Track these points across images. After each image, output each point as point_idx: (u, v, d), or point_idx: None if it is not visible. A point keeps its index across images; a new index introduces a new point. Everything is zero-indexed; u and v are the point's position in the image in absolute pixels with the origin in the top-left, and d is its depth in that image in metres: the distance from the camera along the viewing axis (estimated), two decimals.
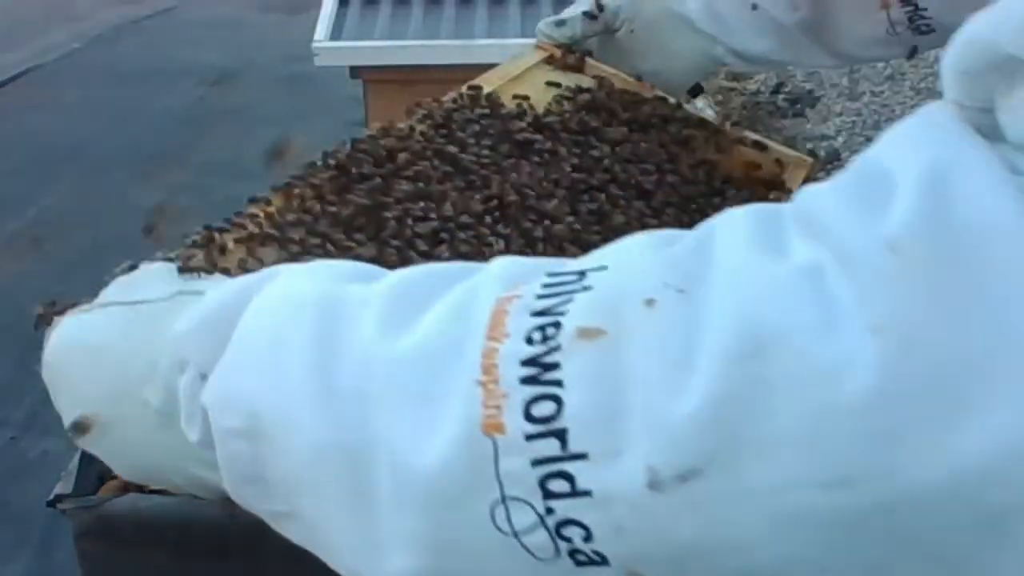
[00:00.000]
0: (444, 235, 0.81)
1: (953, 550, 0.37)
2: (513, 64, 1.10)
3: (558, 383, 0.41)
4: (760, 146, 1.08)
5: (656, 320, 0.40)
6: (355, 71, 2.28)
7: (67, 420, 0.59)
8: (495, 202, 0.86)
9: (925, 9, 0.98)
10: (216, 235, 0.75)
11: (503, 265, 0.49)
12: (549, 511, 0.41)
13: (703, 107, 3.31)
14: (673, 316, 0.40)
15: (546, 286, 0.44)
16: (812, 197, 0.43)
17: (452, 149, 0.90)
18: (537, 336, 0.42)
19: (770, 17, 1.06)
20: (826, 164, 3.14)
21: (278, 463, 0.49)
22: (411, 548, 0.44)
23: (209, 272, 0.64)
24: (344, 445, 0.46)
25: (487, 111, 0.98)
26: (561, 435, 0.40)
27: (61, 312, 0.61)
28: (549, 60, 1.12)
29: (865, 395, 0.36)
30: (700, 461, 0.38)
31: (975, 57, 0.42)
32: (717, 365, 0.38)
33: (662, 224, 0.89)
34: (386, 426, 0.45)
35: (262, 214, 0.79)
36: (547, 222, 0.86)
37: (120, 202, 3.26)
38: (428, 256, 0.79)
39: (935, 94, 0.44)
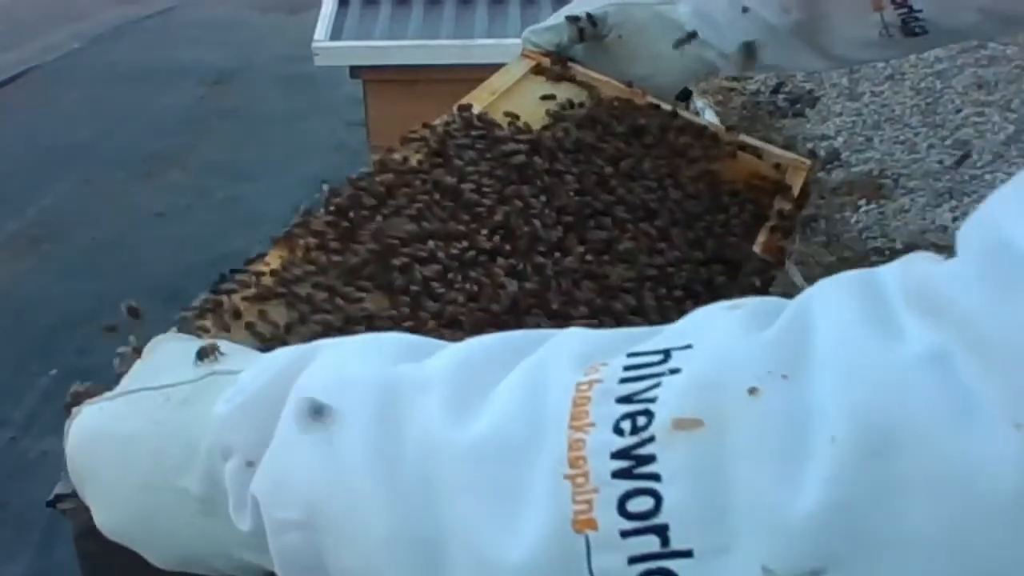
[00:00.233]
0: (453, 275, 0.79)
1: None
2: (502, 77, 1.08)
3: (655, 477, 0.39)
4: (757, 152, 1.07)
5: (761, 410, 0.38)
6: (355, 71, 2.28)
7: (99, 517, 0.56)
8: (501, 232, 0.84)
9: (920, 11, 0.97)
10: (224, 299, 0.72)
11: (571, 340, 0.46)
12: None
13: (703, 107, 3.31)
14: (779, 406, 0.38)
15: (628, 368, 0.42)
16: (927, 273, 0.40)
17: (451, 180, 0.88)
18: (626, 425, 0.40)
19: (762, 20, 1.05)
20: (826, 164, 3.15)
21: (341, 555, 0.46)
22: None
23: (220, 352, 0.59)
24: (415, 536, 0.44)
25: (482, 133, 0.96)
26: (661, 531, 0.38)
27: (81, 402, 0.58)
28: (538, 69, 1.10)
29: (1013, 497, 0.34)
30: (822, 563, 0.36)
31: None
32: (837, 460, 0.36)
33: (671, 247, 0.88)
34: (461, 518, 0.43)
35: (267, 270, 0.76)
36: (557, 254, 0.83)
37: (120, 202, 3.26)
38: (438, 299, 0.76)
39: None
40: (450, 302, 0.76)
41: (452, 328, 0.74)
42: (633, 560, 0.39)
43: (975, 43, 3.58)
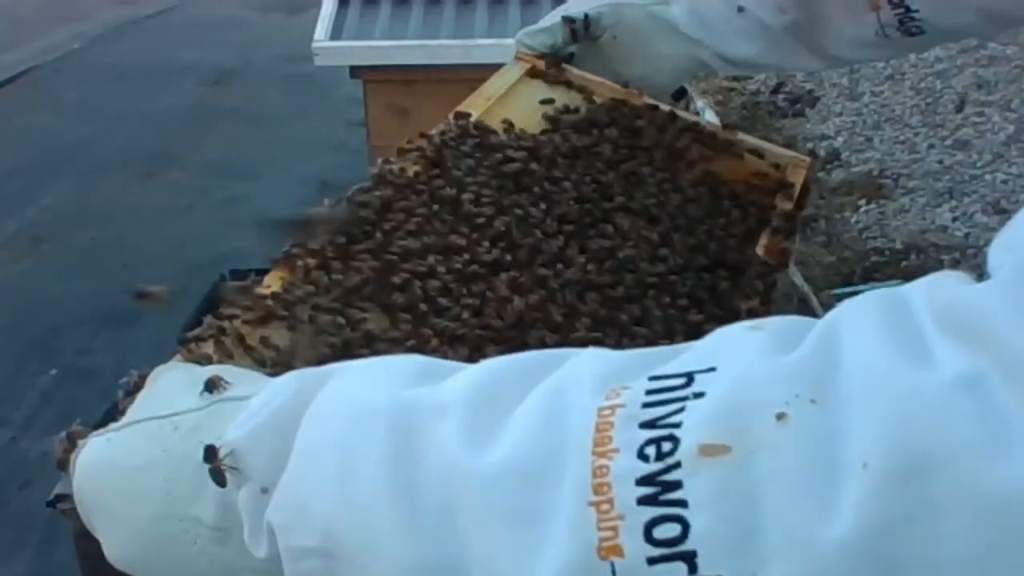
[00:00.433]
0: (455, 291, 0.78)
1: None
2: (497, 82, 1.07)
3: (681, 503, 0.38)
4: (757, 152, 1.07)
5: (789, 436, 0.38)
6: (355, 71, 2.28)
7: (109, 549, 0.56)
8: (502, 244, 0.84)
9: (916, 11, 0.97)
10: (226, 324, 0.71)
11: (590, 363, 0.46)
12: None
13: (703, 107, 3.31)
14: (808, 431, 0.38)
15: (651, 392, 0.42)
16: (957, 295, 0.40)
17: (450, 192, 0.88)
18: (651, 451, 0.40)
19: (757, 20, 1.05)
20: (826, 164, 3.15)
21: None
22: None
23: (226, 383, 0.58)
24: (436, 563, 0.44)
25: (478, 142, 0.95)
26: (689, 558, 0.38)
27: (81, 437, 0.58)
28: (533, 72, 1.10)
29: None
30: None
31: None
32: (870, 486, 0.36)
33: (673, 253, 0.87)
34: (482, 545, 0.43)
35: (268, 293, 0.76)
36: (560, 265, 0.83)
37: (120, 202, 3.26)
38: (441, 316, 0.76)
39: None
40: (454, 318, 0.76)
41: (456, 344, 0.74)
42: None
43: (975, 43, 3.58)
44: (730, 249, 0.91)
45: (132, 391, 0.61)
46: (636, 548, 0.39)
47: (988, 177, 2.93)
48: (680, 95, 1.15)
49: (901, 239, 2.71)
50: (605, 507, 0.39)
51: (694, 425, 0.40)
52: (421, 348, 0.72)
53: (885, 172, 3.05)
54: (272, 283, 0.77)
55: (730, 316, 0.84)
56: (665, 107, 1.09)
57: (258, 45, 4.63)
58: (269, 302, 0.74)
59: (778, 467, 0.38)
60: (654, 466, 0.39)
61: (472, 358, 0.72)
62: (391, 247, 0.81)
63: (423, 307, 0.76)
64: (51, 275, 2.84)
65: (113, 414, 0.59)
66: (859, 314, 0.41)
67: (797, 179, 1.06)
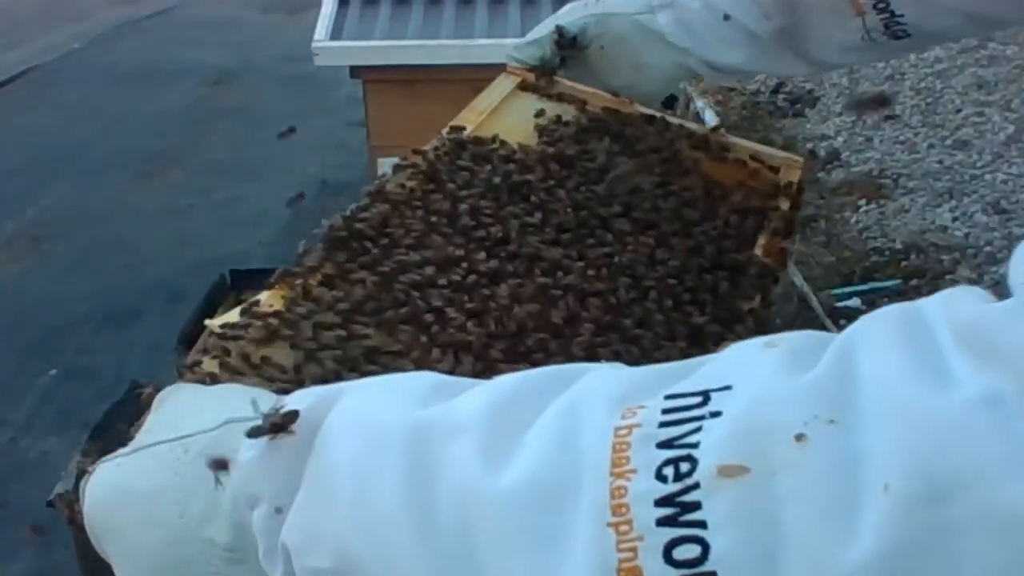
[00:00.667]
0: (456, 302, 0.79)
1: None
2: (489, 96, 1.08)
3: (701, 524, 0.38)
4: (751, 154, 1.07)
5: (809, 457, 0.38)
6: (355, 71, 2.28)
7: (123, 574, 0.56)
8: (501, 254, 0.84)
9: (902, 15, 0.97)
10: (230, 344, 0.72)
11: (604, 381, 0.46)
12: None
13: (703, 107, 3.31)
14: (828, 452, 0.38)
15: (667, 411, 0.42)
16: (977, 314, 0.40)
17: (446, 206, 0.88)
18: (669, 472, 0.40)
19: (743, 27, 1.05)
20: (826, 164, 3.15)
21: None
22: None
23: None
24: None
25: (473, 155, 0.96)
26: None
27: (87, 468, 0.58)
28: (524, 86, 1.10)
29: None
30: None
31: None
32: (891, 508, 0.36)
33: (672, 256, 0.88)
34: (499, 566, 0.43)
35: (270, 311, 0.76)
36: (560, 273, 0.83)
37: (120, 202, 3.26)
38: (443, 327, 0.76)
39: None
40: (457, 328, 0.76)
41: (460, 354, 0.74)
42: None
43: (975, 43, 3.58)
44: (728, 251, 0.91)
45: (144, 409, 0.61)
46: (656, 569, 0.39)
47: (988, 177, 2.93)
48: (670, 103, 1.15)
49: (901, 239, 2.71)
50: (624, 528, 0.39)
51: (712, 445, 0.40)
52: (425, 359, 0.73)
53: (885, 172, 3.05)
54: (273, 302, 0.77)
55: (732, 317, 0.84)
56: (657, 114, 1.09)
57: (258, 45, 4.63)
58: (272, 320, 0.74)
59: (798, 488, 0.38)
60: (672, 487, 0.39)
61: (476, 366, 0.73)
62: (390, 261, 0.81)
63: (426, 318, 0.77)
64: (51, 275, 2.84)
65: (113, 414, 0.59)
66: (876, 331, 0.41)
67: (793, 176, 1.06)
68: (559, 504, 0.41)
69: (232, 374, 0.69)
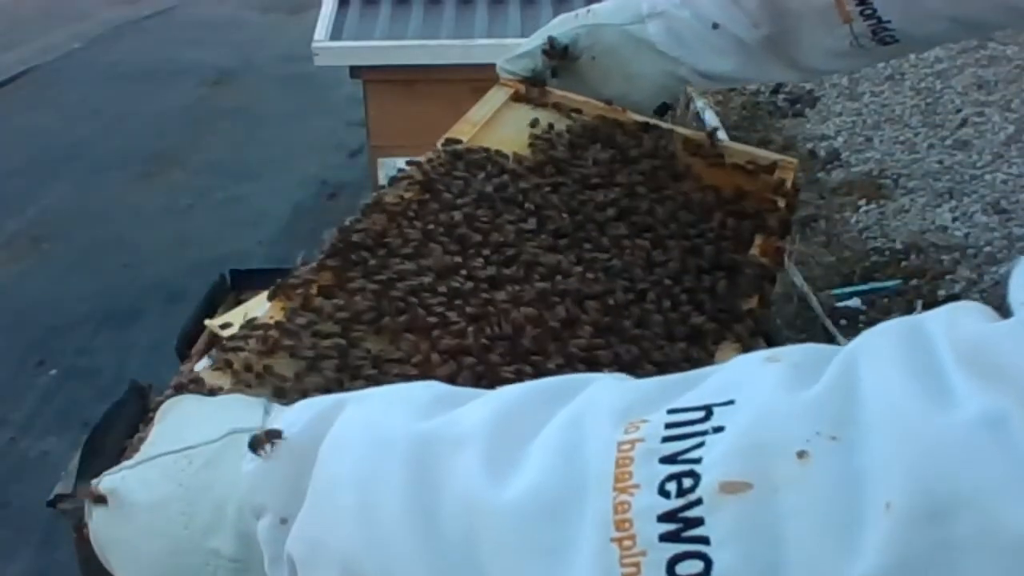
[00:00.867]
0: (456, 308, 0.79)
1: None
2: (483, 108, 1.09)
3: (703, 540, 0.39)
4: (745, 157, 1.08)
5: (811, 473, 0.38)
6: (355, 71, 2.28)
7: None
8: (499, 261, 0.84)
9: (888, 21, 0.97)
10: (232, 356, 0.72)
11: (608, 393, 0.46)
12: None
13: (703, 107, 3.31)
14: (829, 470, 0.38)
15: (670, 426, 0.42)
16: (980, 333, 0.40)
17: (443, 217, 0.89)
18: (672, 487, 0.40)
19: (732, 36, 1.05)
20: (826, 164, 3.15)
21: None
22: None
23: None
24: None
25: (468, 164, 0.97)
26: None
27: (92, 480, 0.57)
28: (517, 97, 1.11)
29: None
30: None
31: None
32: (892, 526, 0.36)
33: (668, 259, 0.88)
34: None
35: (271, 322, 0.76)
36: (558, 277, 0.84)
37: (120, 202, 3.26)
38: (444, 327, 0.77)
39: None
40: (457, 334, 0.76)
41: (461, 359, 0.74)
42: None
43: (975, 43, 3.58)
44: (725, 251, 0.92)
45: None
46: None
47: (988, 177, 2.93)
48: (663, 111, 1.16)
49: (901, 239, 2.71)
50: (627, 543, 0.40)
51: (715, 461, 0.40)
52: (426, 366, 0.73)
53: (885, 172, 3.06)
54: (273, 313, 0.78)
55: (730, 316, 0.84)
56: (651, 120, 1.10)
57: (258, 45, 4.63)
58: (273, 332, 0.74)
59: (801, 505, 0.38)
60: (675, 502, 0.39)
61: (476, 370, 0.73)
62: (389, 271, 0.82)
63: (426, 323, 0.77)
64: (51, 275, 2.84)
65: (113, 414, 0.59)
66: (878, 348, 0.41)
67: (787, 175, 1.07)
68: (563, 517, 0.42)
69: (235, 384, 0.69)
